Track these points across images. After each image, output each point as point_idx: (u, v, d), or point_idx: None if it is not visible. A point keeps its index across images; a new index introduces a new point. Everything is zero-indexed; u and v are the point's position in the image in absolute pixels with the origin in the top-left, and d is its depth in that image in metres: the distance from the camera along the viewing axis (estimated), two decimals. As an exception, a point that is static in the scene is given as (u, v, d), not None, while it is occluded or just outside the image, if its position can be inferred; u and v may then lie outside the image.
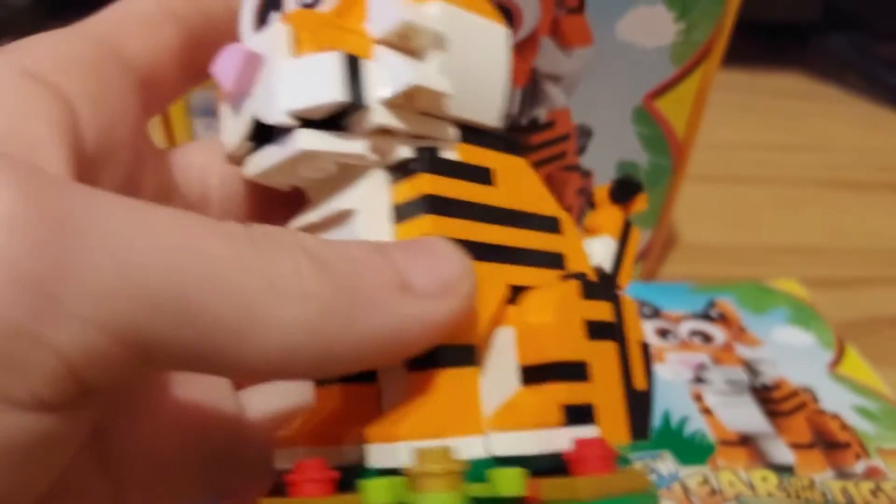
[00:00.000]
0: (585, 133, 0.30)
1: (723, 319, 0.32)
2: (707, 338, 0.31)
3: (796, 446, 0.26)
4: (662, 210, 0.33)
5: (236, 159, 0.15)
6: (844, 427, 0.27)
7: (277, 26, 0.13)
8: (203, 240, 0.11)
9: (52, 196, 0.10)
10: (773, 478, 0.25)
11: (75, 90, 0.13)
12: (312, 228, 0.15)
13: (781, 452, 0.26)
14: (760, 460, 0.26)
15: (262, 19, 0.15)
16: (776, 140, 0.51)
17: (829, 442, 0.26)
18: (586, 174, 0.31)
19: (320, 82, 0.13)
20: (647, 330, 0.31)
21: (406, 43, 0.14)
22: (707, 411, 0.28)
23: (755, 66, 0.58)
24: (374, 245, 0.13)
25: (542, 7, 0.26)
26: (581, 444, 0.12)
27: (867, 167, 0.48)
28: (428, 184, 0.14)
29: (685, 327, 0.32)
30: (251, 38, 0.15)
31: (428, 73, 0.13)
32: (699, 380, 0.29)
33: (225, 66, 0.14)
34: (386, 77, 0.13)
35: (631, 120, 0.29)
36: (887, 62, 0.55)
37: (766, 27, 0.56)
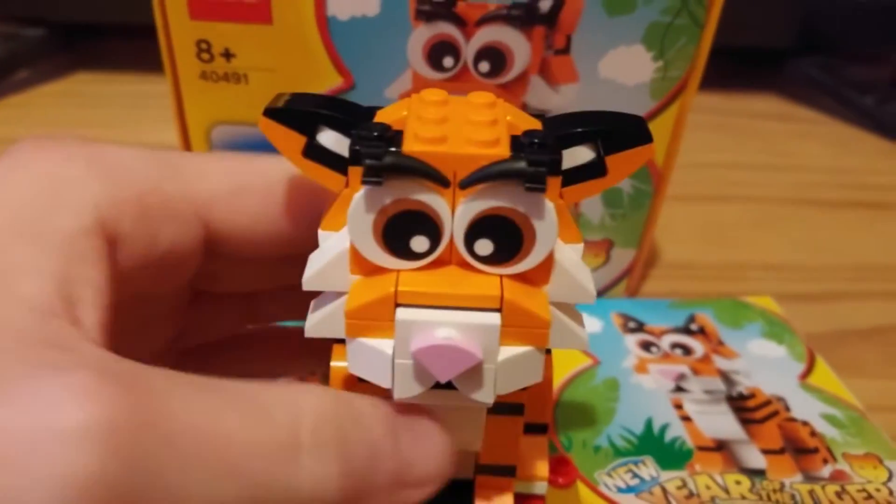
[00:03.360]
0: (572, 162, 0.32)
1: (702, 333, 0.34)
2: (687, 350, 0.33)
3: (768, 452, 0.28)
4: (644, 232, 0.35)
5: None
6: (813, 433, 0.29)
7: (489, 319, 0.15)
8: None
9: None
10: (745, 481, 0.27)
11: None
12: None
13: (754, 458, 0.28)
14: (734, 465, 0.28)
15: (396, 236, 0.15)
16: (752, 160, 0.53)
17: (799, 448, 0.28)
18: (573, 199, 0.33)
19: (530, 373, 0.16)
20: (632, 343, 0.34)
21: None
22: (686, 418, 0.30)
23: (731, 90, 0.60)
24: (388, 429, 0.16)
25: (532, 49, 0.28)
26: None
27: (838, 186, 0.50)
28: None
29: (667, 340, 0.34)
30: (438, 322, 0.15)
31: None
32: (679, 389, 0.31)
33: (444, 365, 0.15)
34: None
35: (614, 149, 0.32)
36: (858, 85, 0.57)
37: (741, 52, 0.59)
